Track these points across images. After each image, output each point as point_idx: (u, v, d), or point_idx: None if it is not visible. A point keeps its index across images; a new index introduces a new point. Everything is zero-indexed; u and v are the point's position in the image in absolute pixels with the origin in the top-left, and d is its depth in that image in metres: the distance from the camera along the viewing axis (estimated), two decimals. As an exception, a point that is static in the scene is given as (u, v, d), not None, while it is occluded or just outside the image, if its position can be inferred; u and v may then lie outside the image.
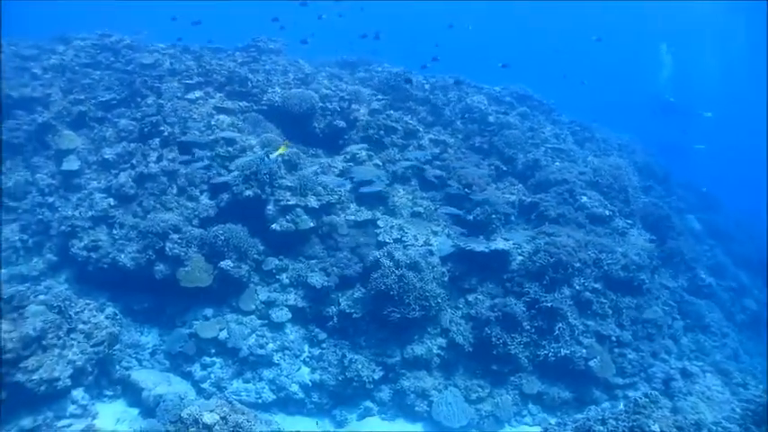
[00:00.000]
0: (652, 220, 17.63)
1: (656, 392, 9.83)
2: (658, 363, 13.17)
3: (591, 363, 12.05)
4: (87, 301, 10.99)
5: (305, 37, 20.06)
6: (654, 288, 14.66)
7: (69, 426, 9.31)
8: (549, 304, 12.04)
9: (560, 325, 12.10)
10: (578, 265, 12.77)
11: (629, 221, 15.93)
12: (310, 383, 11.37)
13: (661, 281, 15.39)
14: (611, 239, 14.75)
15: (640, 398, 8.89)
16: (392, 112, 16.76)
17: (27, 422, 8.87)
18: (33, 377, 8.91)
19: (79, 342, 10.06)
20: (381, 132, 15.62)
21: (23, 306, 9.74)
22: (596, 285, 13.15)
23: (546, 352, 11.95)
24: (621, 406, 11.13)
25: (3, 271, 12.79)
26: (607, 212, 15.57)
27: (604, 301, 13.13)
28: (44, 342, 9.39)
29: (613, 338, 12.69)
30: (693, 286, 16.99)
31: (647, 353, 13.03)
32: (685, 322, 15.22)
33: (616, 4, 67.81)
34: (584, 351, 12.06)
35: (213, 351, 11.57)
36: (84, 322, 10.43)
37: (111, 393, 10.67)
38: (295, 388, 11.29)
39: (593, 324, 12.72)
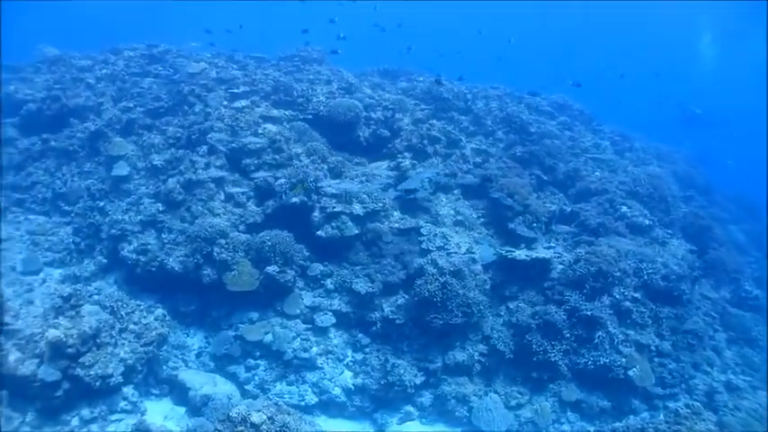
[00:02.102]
0: (693, 231, 17.50)
1: (699, 404, 9.77)
2: (700, 374, 13.05)
3: (630, 372, 11.98)
4: (138, 303, 11.39)
5: (335, 45, 20.31)
6: (694, 299, 14.56)
7: (121, 420, 9.67)
8: (588, 313, 12.04)
9: (600, 333, 12.10)
10: (618, 274, 12.75)
11: (669, 231, 15.87)
12: (352, 387, 11.55)
13: (702, 291, 15.27)
14: (651, 249, 14.69)
15: (681, 408, 8.83)
16: (435, 121, 16.95)
17: (86, 413, 9.34)
18: (90, 372, 9.29)
19: (130, 341, 10.46)
20: (425, 142, 15.82)
21: (79, 305, 10.11)
22: (636, 295, 13.14)
23: (585, 360, 11.93)
24: (661, 416, 11.10)
25: (57, 271, 13.23)
26: (647, 222, 15.55)
27: (644, 310, 13.08)
28: (98, 340, 9.75)
29: (653, 348, 12.63)
30: (737, 298, 16.73)
31: (687, 364, 12.93)
32: (728, 335, 14.99)
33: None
34: (623, 360, 12.01)
35: (258, 354, 11.81)
36: (134, 323, 10.82)
37: (159, 392, 11.02)
38: (337, 391, 11.47)
39: (632, 333, 12.69)
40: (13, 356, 8.76)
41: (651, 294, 13.55)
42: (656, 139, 25.51)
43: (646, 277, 13.54)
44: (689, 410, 8.70)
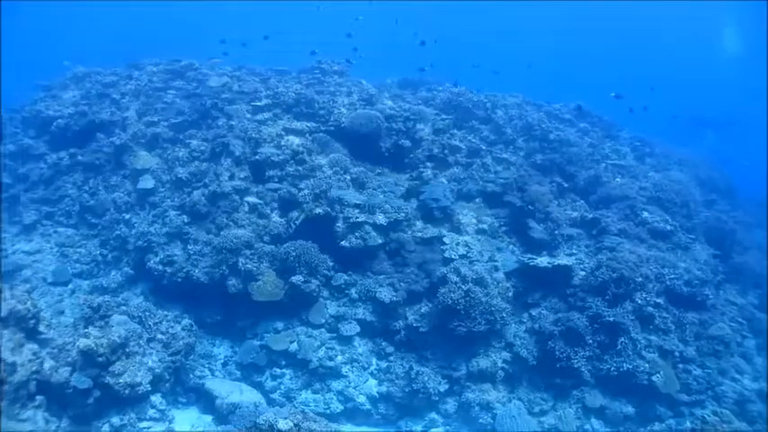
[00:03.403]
0: (716, 235, 17.36)
1: (728, 412, 9.68)
2: (728, 382, 12.85)
3: (654, 378, 11.94)
4: (165, 313, 11.61)
5: (352, 56, 20.55)
6: (719, 304, 14.45)
7: (150, 428, 9.88)
8: (611, 319, 12.02)
9: (623, 339, 12.05)
10: (640, 279, 12.70)
11: (691, 236, 15.79)
12: (377, 395, 11.65)
13: (727, 297, 15.11)
14: (673, 254, 14.66)
15: (708, 416, 8.74)
16: (455, 131, 17.08)
17: (116, 420, 9.55)
18: (120, 380, 9.49)
19: (158, 351, 10.69)
20: (446, 151, 15.94)
21: (108, 315, 10.33)
22: (658, 300, 13.07)
23: (608, 366, 11.90)
24: (688, 423, 11.07)
25: (86, 282, 13.48)
26: (668, 227, 15.48)
27: (667, 315, 13.02)
28: (127, 349, 9.94)
29: (676, 354, 12.52)
30: (765, 304, 16.59)
31: (714, 370, 12.79)
32: (758, 341, 14.84)
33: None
34: (646, 366, 11.97)
35: (283, 362, 11.96)
36: (162, 332, 11.05)
37: (186, 400, 11.20)
38: (362, 399, 11.58)
39: (655, 339, 12.62)
40: (48, 364, 8.97)
41: (674, 300, 13.50)
42: (672, 144, 25.32)
43: (668, 282, 13.51)
44: (717, 418, 8.60)
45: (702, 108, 40.10)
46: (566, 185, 16.70)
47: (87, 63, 20.45)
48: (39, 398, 8.58)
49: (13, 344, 8.50)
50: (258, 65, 21.48)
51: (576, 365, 11.78)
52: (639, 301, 12.64)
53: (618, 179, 17.60)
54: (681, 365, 12.51)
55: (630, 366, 11.80)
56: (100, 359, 9.43)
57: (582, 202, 16.28)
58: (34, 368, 8.66)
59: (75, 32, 73.26)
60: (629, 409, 11.80)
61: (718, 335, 13.37)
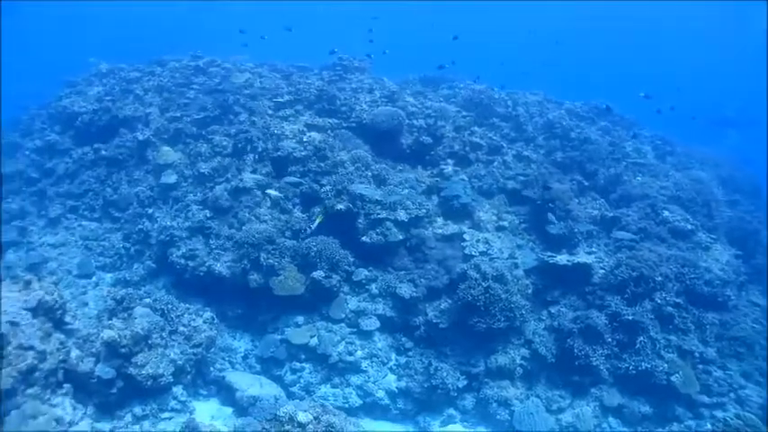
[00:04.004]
0: (738, 235, 17.26)
1: (753, 416, 9.57)
2: (752, 385, 12.63)
3: (673, 378, 11.86)
4: (187, 306, 11.75)
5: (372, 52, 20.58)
6: (741, 305, 14.31)
7: (171, 418, 9.99)
8: (630, 317, 12.01)
9: (641, 338, 12.02)
10: (660, 279, 12.66)
11: (712, 236, 15.64)
12: (396, 390, 11.74)
13: (750, 298, 14.96)
14: (693, 254, 14.55)
15: (731, 418, 8.62)
16: (476, 128, 17.09)
17: (138, 410, 9.75)
18: (142, 372, 9.65)
19: (179, 343, 10.81)
20: (467, 148, 15.97)
21: (131, 308, 10.46)
22: (678, 300, 12.95)
23: (627, 365, 11.88)
24: (708, 426, 11.00)
25: (109, 275, 13.67)
26: (689, 227, 15.34)
27: (686, 315, 12.89)
28: (150, 341, 10.07)
29: (696, 354, 12.41)
30: (790, 306, 16.44)
31: (736, 372, 12.68)
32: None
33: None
34: (665, 365, 11.89)
35: (303, 357, 12.08)
36: (184, 325, 11.18)
37: (206, 392, 11.34)
38: (381, 394, 11.66)
39: (674, 339, 12.53)
40: (74, 354, 9.13)
41: (694, 299, 13.39)
42: (694, 143, 25.09)
43: (688, 282, 13.39)
44: (741, 422, 8.49)
45: (723, 107, 39.80)
46: (586, 184, 16.65)
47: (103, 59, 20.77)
48: (66, 386, 8.75)
49: (42, 333, 8.66)
50: (279, 60, 21.59)
51: (594, 363, 11.78)
52: (659, 301, 12.57)
53: (638, 178, 17.51)
54: (701, 366, 12.39)
55: (649, 366, 11.75)
56: (123, 350, 9.57)
57: (602, 200, 16.23)
58: (61, 357, 8.83)
59: (75, 33, 73.89)
60: (647, 409, 11.74)
61: (740, 336, 13.20)
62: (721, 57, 77.24)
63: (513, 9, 73.20)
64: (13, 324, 8.21)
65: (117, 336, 9.54)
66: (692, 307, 13.17)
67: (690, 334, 12.68)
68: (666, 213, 15.59)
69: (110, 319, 10.24)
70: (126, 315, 10.37)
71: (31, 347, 8.27)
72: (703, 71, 77.01)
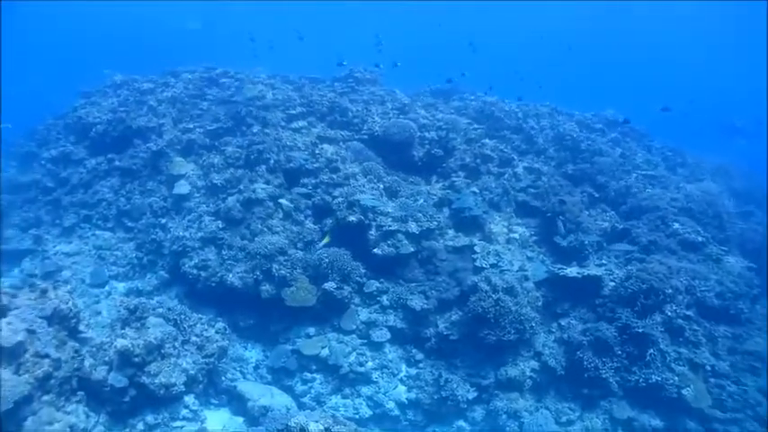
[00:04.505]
0: (751, 248, 17.09)
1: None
2: (771, 402, 12.56)
3: (684, 391, 11.80)
4: (200, 316, 11.83)
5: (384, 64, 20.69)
6: (755, 318, 14.21)
7: (182, 427, 10.06)
8: (640, 330, 11.98)
9: (651, 351, 12.00)
10: (670, 291, 12.58)
11: (723, 248, 15.56)
12: (406, 401, 11.79)
13: (765, 311, 14.92)
14: (704, 266, 14.52)
15: None
16: (487, 140, 17.17)
17: (150, 418, 9.78)
18: (155, 381, 9.73)
19: (192, 353, 10.86)
20: (478, 160, 16.05)
21: (144, 317, 10.56)
22: (688, 312, 12.97)
23: (637, 377, 11.86)
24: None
25: (121, 285, 13.79)
26: (700, 239, 15.31)
27: (697, 328, 12.87)
28: (163, 351, 10.17)
29: (708, 368, 12.36)
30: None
31: (751, 388, 12.54)
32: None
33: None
34: (675, 378, 11.85)
35: (314, 367, 12.14)
36: (196, 335, 11.25)
37: (217, 402, 11.36)
38: (391, 405, 11.71)
39: (685, 352, 12.49)
40: (88, 362, 9.24)
41: (704, 312, 13.41)
42: (705, 153, 24.98)
43: (698, 295, 13.42)
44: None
45: (731, 116, 39.63)
46: (596, 196, 16.73)
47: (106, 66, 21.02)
48: (80, 393, 8.87)
49: (57, 341, 8.77)
50: (291, 70, 21.80)
51: (604, 376, 11.78)
52: (669, 313, 12.53)
53: (649, 190, 17.53)
54: (713, 380, 12.34)
55: (659, 378, 11.73)
56: (136, 359, 9.68)
57: (612, 212, 16.28)
58: (76, 365, 8.94)
59: (75, 33, 74.57)
60: (658, 423, 11.69)
61: (754, 350, 13.06)
62: (726, 58, 77.15)
63: (517, 10, 73.31)
64: (30, 332, 8.32)
65: (130, 345, 9.65)
66: (703, 320, 13.19)
67: (701, 347, 12.64)
68: (677, 225, 15.57)
69: (123, 328, 10.32)
70: (139, 324, 10.46)
71: (47, 355, 8.38)
72: (708, 73, 77.14)
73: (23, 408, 7.78)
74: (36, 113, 20.59)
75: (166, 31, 75.94)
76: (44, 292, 9.22)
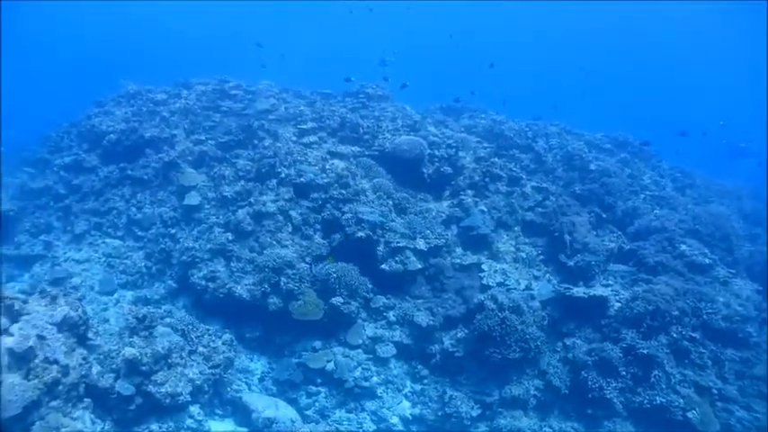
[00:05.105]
0: (760, 270, 16.88)
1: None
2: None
3: (689, 414, 11.68)
4: (207, 327, 11.89)
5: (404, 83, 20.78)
6: (764, 342, 14.11)
7: (187, 437, 10.05)
8: (645, 351, 11.98)
9: (656, 372, 11.98)
10: (676, 313, 12.59)
11: (731, 271, 15.46)
12: (410, 417, 11.83)
13: (774, 336, 14.84)
14: (711, 288, 14.46)
15: None
16: (496, 159, 17.24)
17: (155, 427, 9.84)
18: (161, 390, 9.80)
19: (198, 363, 10.89)
20: (486, 179, 16.11)
21: (153, 326, 10.63)
22: (694, 335, 12.86)
23: (641, 399, 11.81)
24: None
25: (130, 293, 13.87)
26: (707, 261, 15.22)
27: (703, 351, 12.77)
28: (170, 360, 10.24)
29: (714, 391, 12.26)
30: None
31: (763, 415, 12.40)
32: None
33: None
34: (681, 401, 11.77)
35: (319, 381, 12.22)
36: (204, 346, 11.31)
37: (222, 413, 11.38)
38: (395, 420, 11.76)
39: (690, 374, 12.42)
40: (95, 369, 9.30)
41: (710, 335, 13.26)
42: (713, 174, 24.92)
43: (705, 317, 13.27)
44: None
45: (736, 136, 39.51)
46: (604, 216, 16.77)
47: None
48: (86, 400, 8.92)
49: (66, 348, 8.83)
50: (301, 83, 22.03)
51: (608, 396, 11.75)
52: (675, 335, 12.50)
53: (656, 211, 17.54)
54: (720, 404, 12.20)
55: (664, 400, 11.68)
56: (143, 368, 9.76)
57: (619, 233, 16.30)
58: (83, 372, 8.99)
59: (77, 33, 75.14)
60: (662, 445, 11.63)
61: (763, 375, 12.94)
62: (727, 68, 77.21)
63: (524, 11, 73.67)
64: (41, 338, 8.40)
65: (138, 354, 9.74)
66: (710, 342, 13.10)
67: (707, 369, 12.55)
68: (684, 247, 15.52)
69: (131, 336, 10.39)
70: (147, 334, 10.54)
71: (56, 361, 8.45)
72: (709, 88, 77.22)
73: (32, 412, 7.87)
74: (41, 117, 20.82)
75: (169, 35, 76.60)
76: (54, 298, 9.30)
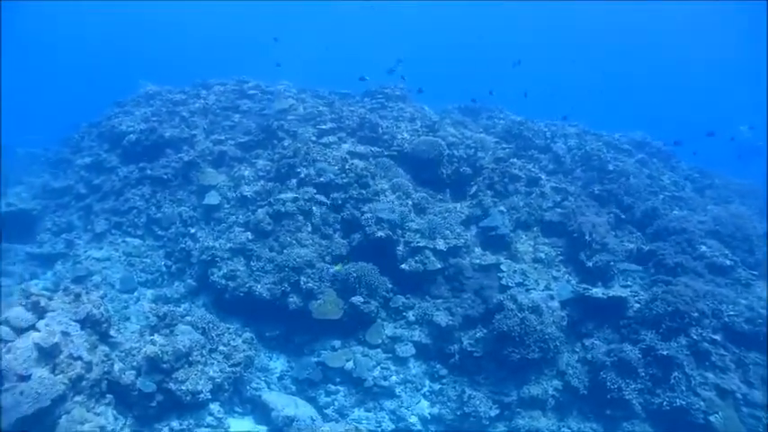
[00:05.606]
0: (782, 271, 16.81)
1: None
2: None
3: (711, 418, 11.47)
4: (228, 326, 11.98)
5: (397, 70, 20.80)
6: (791, 346, 13.97)
7: (207, 434, 10.14)
8: (664, 352, 11.87)
9: (676, 374, 11.84)
10: (696, 314, 12.44)
11: (754, 273, 15.23)
12: (429, 416, 11.82)
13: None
14: (732, 290, 14.33)
15: None
16: (515, 160, 17.21)
17: (175, 424, 9.95)
18: (182, 387, 9.92)
19: (219, 361, 10.99)
20: (506, 180, 16.08)
21: (174, 324, 10.71)
22: (715, 337, 12.69)
23: (660, 400, 11.67)
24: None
25: (150, 291, 13.97)
26: (728, 262, 15.04)
27: (725, 353, 12.57)
28: (191, 358, 10.32)
29: (739, 396, 12.02)
30: None
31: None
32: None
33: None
34: (701, 404, 11.57)
35: (338, 380, 12.25)
36: (224, 344, 11.39)
37: (241, 410, 11.48)
38: (414, 419, 11.76)
39: (711, 376, 12.19)
40: (117, 366, 9.39)
41: (733, 338, 13.08)
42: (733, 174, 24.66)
43: (726, 319, 13.09)
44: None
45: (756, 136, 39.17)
46: (623, 217, 16.66)
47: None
48: (109, 396, 9.03)
49: (89, 345, 8.94)
50: (318, 83, 22.12)
51: (627, 397, 11.66)
52: (695, 337, 12.31)
53: (675, 212, 17.42)
54: (745, 409, 11.91)
55: (684, 402, 11.50)
56: (164, 366, 9.88)
57: (638, 234, 16.19)
58: (106, 368, 9.10)
59: (76, 33, 75.61)
60: (683, 448, 11.51)
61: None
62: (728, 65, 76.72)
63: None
64: (65, 334, 8.50)
65: (159, 351, 9.85)
66: (732, 345, 12.96)
67: (729, 373, 12.39)
68: (704, 248, 15.37)
69: (152, 334, 10.48)
70: (168, 331, 10.64)
71: (80, 357, 8.55)
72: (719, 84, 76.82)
73: (59, 406, 7.99)
74: (58, 118, 21.02)
75: (172, 35, 77.00)
76: (78, 296, 9.43)
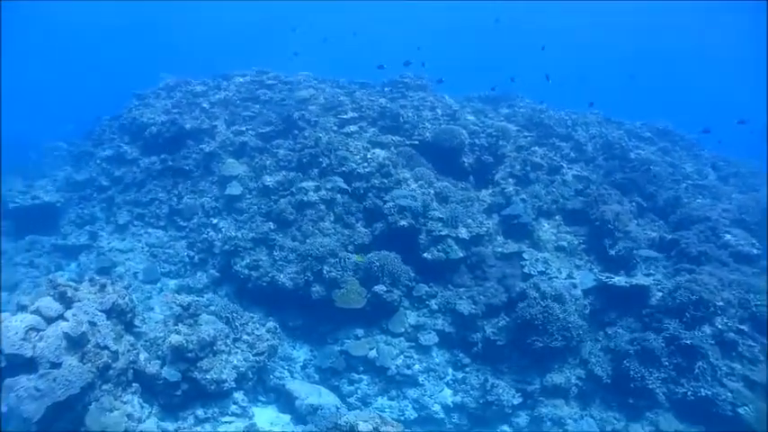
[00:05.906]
0: (812, 261, 16.52)
1: None
2: None
3: (740, 410, 11.20)
4: (251, 315, 12.02)
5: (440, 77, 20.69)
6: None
7: (231, 422, 10.27)
8: (688, 342, 11.73)
9: (700, 364, 11.67)
10: (721, 304, 12.25)
11: (783, 261, 15.14)
12: (452, 405, 11.86)
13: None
14: (760, 280, 14.12)
15: None
16: (537, 148, 17.12)
17: (200, 412, 10.04)
18: (206, 376, 9.99)
19: (243, 351, 11.06)
20: (527, 168, 16.01)
21: (198, 314, 10.75)
22: (742, 327, 12.50)
23: (684, 390, 11.54)
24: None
25: (173, 282, 14.06)
26: (755, 251, 14.85)
27: (753, 344, 12.31)
28: (215, 347, 10.39)
29: None
30: None
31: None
32: None
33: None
34: (729, 395, 11.33)
35: (361, 368, 12.31)
36: (248, 333, 11.46)
37: (265, 399, 11.59)
38: (437, 408, 11.79)
39: (739, 367, 11.94)
40: (143, 356, 9.46)
41: (761, 328, 12.97)
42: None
43: (753, 309, 12.89)
44: None
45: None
46: (645, 205, 16.54)
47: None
48: (135, 385, 9.10)
49: (115, 334, 9.00)
50: (334, 72, 22.07)
51: (650, 387, 11.57)
52: (720, 326, 12.13)
53: (699, 200, 17.24)
54: (778, 403, 11.82)
55: (710, 393, 11.30)
56: (189, 355, 9.94)
57: (661, 222, 16.05)
58: (131, 358, 9.16)
59: (78, 33, 75.86)
60: (712, 440, 11.27)
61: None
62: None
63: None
64: (92, 324, 8.56)
65: (184, 341, 9.90)
66: (760, 335, 12.77)
67: (759, 364, 12.14)
68: (728, 237, 15.17)
69: (176, 324, 10.53)
70: (192, 321, 10.67)
71: (106, 347, 8.61)
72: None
73: (88, 394, 8.09)
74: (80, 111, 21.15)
75: (203, 26, 77.10)
76: (103, 286, 9.48)
